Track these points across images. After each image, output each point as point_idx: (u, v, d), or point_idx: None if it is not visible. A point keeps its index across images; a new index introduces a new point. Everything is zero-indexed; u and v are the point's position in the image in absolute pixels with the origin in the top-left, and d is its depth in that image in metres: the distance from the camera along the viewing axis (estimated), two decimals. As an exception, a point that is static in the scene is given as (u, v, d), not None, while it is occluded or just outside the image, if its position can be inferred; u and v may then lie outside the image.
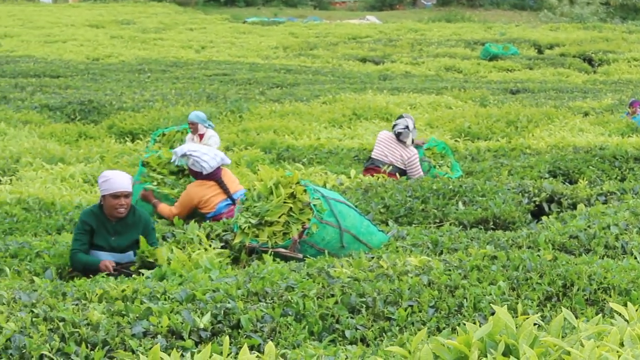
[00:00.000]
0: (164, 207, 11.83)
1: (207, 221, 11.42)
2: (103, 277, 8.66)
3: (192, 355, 5.50)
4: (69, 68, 35.95)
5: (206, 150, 12.34)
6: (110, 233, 9.86)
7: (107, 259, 9.78)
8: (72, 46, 47.45)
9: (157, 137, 19.76)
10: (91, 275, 8.93)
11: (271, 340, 6.83)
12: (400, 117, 16.65)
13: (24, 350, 6.48)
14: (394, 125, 15.82)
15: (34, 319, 6.85)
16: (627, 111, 24.86)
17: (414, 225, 11.85)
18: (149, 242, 9.86)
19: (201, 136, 18.21)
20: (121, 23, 64.43)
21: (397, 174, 15.22)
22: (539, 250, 9.27)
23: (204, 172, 11.99)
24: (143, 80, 33.55)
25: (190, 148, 12.29)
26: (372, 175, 14.87)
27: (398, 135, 15.60)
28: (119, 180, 9.89)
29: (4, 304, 7.16)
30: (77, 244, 9.83)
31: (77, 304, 7.28)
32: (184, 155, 12.10)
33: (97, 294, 7.50)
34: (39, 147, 18.55)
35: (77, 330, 6.78)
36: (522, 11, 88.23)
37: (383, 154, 15.47)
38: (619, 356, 4.98)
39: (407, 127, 15.62)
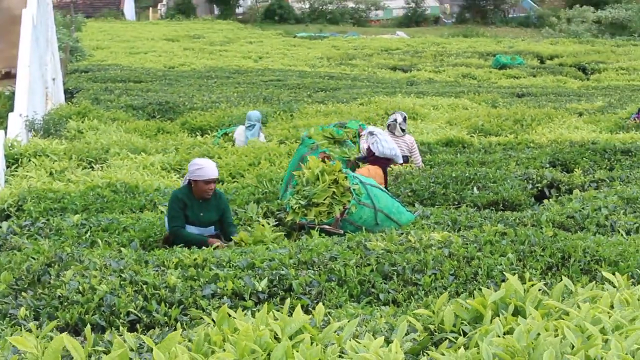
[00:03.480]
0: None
1: None
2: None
3: (253, 313, 5.51)
4: (149, 75, 36.01)
5: (388, 140, 11.99)
6: (198, 210, 9.90)
7: (194, 231, 9.88)
8: (152, 56, 47.52)
9: (220, 136, 19.81)
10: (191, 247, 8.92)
11: (318, 302, 6.83)
12: (394, 112, 16.62)
13: (113, 308, 6.54)
14: (391, 122, 15.78)
15: (121, 282, 6.92)
16: (634, 114, 24.61)
17: (436, 206, 11.84)
18: (228, 219, 10.04)
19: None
20: (192, 37, 64.42)
21: (407, 161, 15.16)
22: (541, 227, 9.24)
23: (376, 154, 11.65)
24: (210, 85, 33.56)
25: (378, 130, 12.13)
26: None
27: (388, 127, 15.59)
28: (211, 168, 9.96)
29: (97, 269, 7.21)
30: (178, 221, 9.86)
31: (157, 270, 7.33)
32: (370, 133, 11.89)
33: (173, 262, 7.55)
34: (124, 140, 18.63)
35: (157, 291, 6.83)
36: (527, 28, 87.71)
37: (390, 152, 15.40)
38: (610, 316, 4.95)
39: (395, 120, 15.58)
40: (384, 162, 11.68)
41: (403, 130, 15.63)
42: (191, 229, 9.89)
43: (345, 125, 16.38)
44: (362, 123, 16.93)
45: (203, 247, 8.79)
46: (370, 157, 11.68)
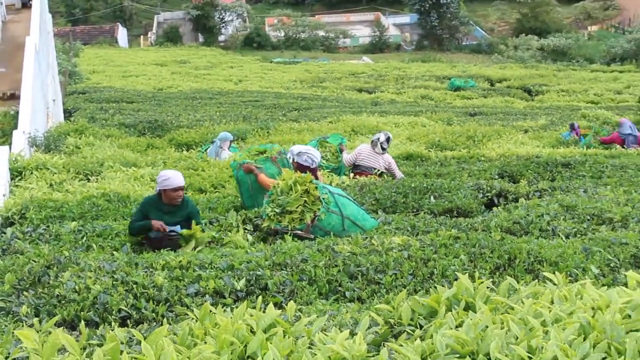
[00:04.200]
0: (264, 177, 11.67)
1: None
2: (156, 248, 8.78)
3: (232, 310, 5.52)
4: (140, 96, 35.91)
5: (314, 152, 12.39)
6: (164, 214, 9.88)
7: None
8: (143, 80, 47.40)
9: (204, 151, 19.79)
10: (154, 250, 9.00)
11: (290, 299, 6.86)
12: (379, 132, 16.72)
13: (106, 306, 6.53)
14: (372, 139, 15.90)
15: (114, 282, 6.91)
16: (568, 132, 24.78)
17: (397, 213, 11.85)
18: (196, 222, 9.90)
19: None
20: (179, 62, 64.30)
21: (381, 175, 15.29)
22: (490, 232, 9.28)
23: (313, 166, 12.07)
24: (195, 105, 33.47)
25: (303, 148, 12.37)
26: (364, 176, 14.94)
27: (371, 143, 15.67)
28: (177, 178, 9.97)
29: (92, 271, 7.20)
30: (134, 217, 9.98)
31: (146, 271, 7.32)
32: (300, 153, 12.12)
33: (160, 264, 7.54)
34: (117, 155, 18.57)
35: (146, 290, 6.83)
36: (479, 54, 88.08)
37: (366, 162, 15.49)
38: (550, 311, 4.98)
39: (378, 138, 15.65)
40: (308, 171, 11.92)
41: (383, 149, 15.68)
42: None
43: (327, 140, 16.52)
44: (343, 138, 17.07)
45: (153, 234, 9.60)
46: (309, 170, 11.85)
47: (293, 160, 12.14)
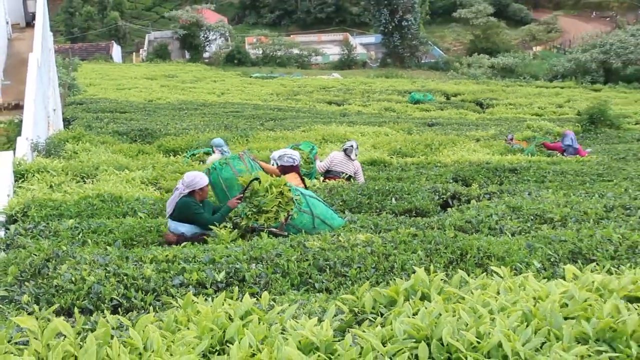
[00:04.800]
0: (264, 165, 11.93)
1: None
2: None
3: (212, 299, 5.51)
4: (132, 106, 35.69)
5: (292, 152, 12.50)
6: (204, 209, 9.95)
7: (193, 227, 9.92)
8: (135, 92, 47.11)
9: (189, 156, 19.75)
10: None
11: (265, 290, 6.85)
12: (348, 140, 16.75)
13: (100, 295, 6.52)
14: (344, 147, 15.90)
15: (106, 274, 6.88)
16: (506, 139, 25.03)
17: (362, 213, 11.86)
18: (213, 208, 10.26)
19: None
20: (168, 77, 63.97)
21: (350, 179, 15.33)
22: (445, 230, 9.29)
23: (295, 164, 12.25)
24: (182, 115, 33.30)
25: (282, 151, 12.49)
26: (334, 180, 14.97)
27: (345, 151, 15.68)
28: (204, 177, 10.06)
29: (87, 263, 7.16)
30: (201, 215, 9.86)
31: (136, 264, 7.29)
32: (280, 156, 12.32)
33: (149, 258, 7.51)
34: (111, 160, 18.47)
35: (135, 281, 6.81)
36: (436, 71, 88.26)
37: (339, 167, 15.51)
38: (497, 300, 5.00)
39: (351, 145, 15.70)
40: (291, 169, 12.14)
41: (356, 156, 15.77)
42: (194, 226, 9.92)
43: (299, 146, 16.56)
44: (314, 145, 17.08)
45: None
46: (292, 168, 12.01)
47: (277, 164, 12.21)
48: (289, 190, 10.00)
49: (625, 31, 73.46)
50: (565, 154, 22.29)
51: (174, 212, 9.89)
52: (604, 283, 5.41)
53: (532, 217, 10.73)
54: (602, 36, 75.80)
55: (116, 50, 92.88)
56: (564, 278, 5.84)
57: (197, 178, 9.97)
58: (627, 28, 76.54)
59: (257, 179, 9.98)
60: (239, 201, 9.76)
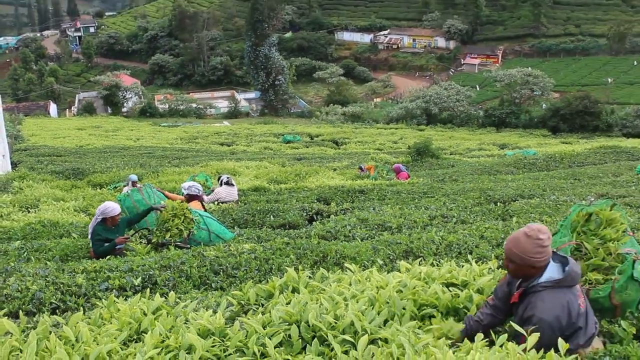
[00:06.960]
0: (169, 194, 11.78)
1: None
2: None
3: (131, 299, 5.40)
4: (66, 151, 34.74)
5: (197, 185, 12.16)
6: (112, 233, 9.63)
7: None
8: (68, 140, 45.80)
9: (112, 189, 19.34)
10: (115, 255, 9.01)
11: (173, 290, 6.74)
12: (221, 175, 16.58)
13: (41, 300, 6.29)
14: (220, 180, 15.72)
15: (46, 283, 6.65)
16: (360, 168, 25.27)
17: (247, 228, 11.82)
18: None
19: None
20: (94, 127, 62.42)
21: (237, 203, 15.25)
22: (311, 238, 9.33)
23: (200, 193, 11.92)
24: (106, 157, 32.57)
25: (190, 184, 12.15)
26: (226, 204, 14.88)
27: (227, 183, 15.53)
28: (116, 207, 9.79)
29: (31, 275, 6.92)
30: (95, 245, 9.53)
31: (70, 274, 7.08)
32: (189, 187, 11.99)
33: (80, 269, 7.30)
34: (50, 193, 17.96)
35: (70, 288, 6.62)
36: (303, 118, 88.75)
37: (228, 198, 15.37)
38: (349, 290, 5.05)
39: (228, 177, 15.63)
40: (196, 197, 11.94)
41: (233, 184, 15.67)
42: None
43: (197, 177, 16.39)
44: (207, 175, 16.89)
45: (117, 246, 9.31)
46: (196, 197, 11.88)
47: (185, 194, 12.03)
48: (190, 212, 9.92)
49: (440, 86, 75.49)
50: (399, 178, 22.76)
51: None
52: (428, 273, 5.54)
53: (376, 226, 10.87)
54: (424, 90, 77.72)
55: (53, 108, 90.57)
56: (399, 271, 5.94)
57: (109, 209, 9.77)
58: (441, 84, 78.66)
59: (152, 208, 10.13)
60: (125, 240, 9.50)
